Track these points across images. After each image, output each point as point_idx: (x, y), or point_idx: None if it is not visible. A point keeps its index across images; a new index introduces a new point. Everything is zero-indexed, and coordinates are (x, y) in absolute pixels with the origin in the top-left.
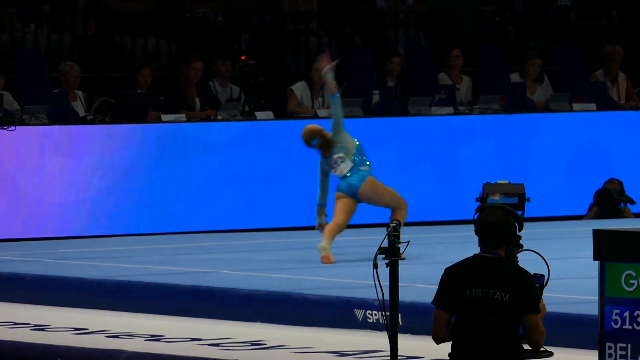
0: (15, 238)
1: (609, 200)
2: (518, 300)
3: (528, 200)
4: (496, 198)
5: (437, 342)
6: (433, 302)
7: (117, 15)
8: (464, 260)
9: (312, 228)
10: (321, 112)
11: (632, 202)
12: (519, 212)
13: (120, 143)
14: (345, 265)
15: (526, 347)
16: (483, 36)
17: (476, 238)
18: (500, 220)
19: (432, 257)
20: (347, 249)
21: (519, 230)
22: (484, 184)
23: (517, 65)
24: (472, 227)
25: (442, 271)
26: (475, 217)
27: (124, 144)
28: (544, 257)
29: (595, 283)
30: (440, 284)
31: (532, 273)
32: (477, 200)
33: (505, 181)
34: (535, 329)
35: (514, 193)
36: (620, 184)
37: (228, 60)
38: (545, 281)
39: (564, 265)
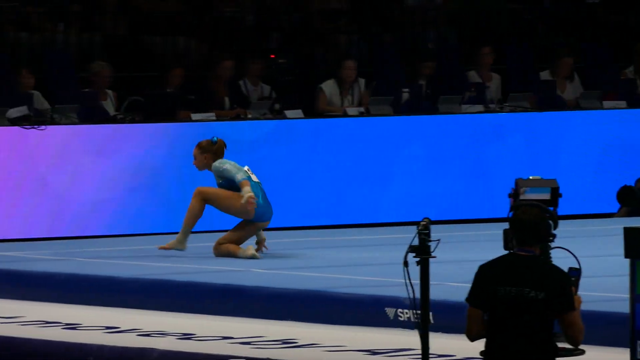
0: (46, 237)
1: (632, 198)
2: (553, 299)
3: (560, 195)
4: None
5: (471, 339)
6: (467, 299)
7: (147, 15)
8: (498, 258)
9: (341, 226)
10: (350, 111)
11: None
12: (552, 208)
13: (151, 142)
14: (376, 264)
15: (560, 345)
16: (512, 34)
17: None
18: (535, 218)
19: (463, 255)
20: (377, 247)
21: (554, 229)
22: (516, 179)
23: (545, 62)
24: (502, 224)
25: (473, 269)
26: (510, 214)
27: (154, 143)
28: (575, 254)
29: (626, 281)
30: (474, 282)
31: (566, 268)
32: (509, 196)
33: (538, 177)
34: (572, 326)
35: (547, 187)
36: None
37: (259, 59)
38: (579, 275)
39: (594, 263)
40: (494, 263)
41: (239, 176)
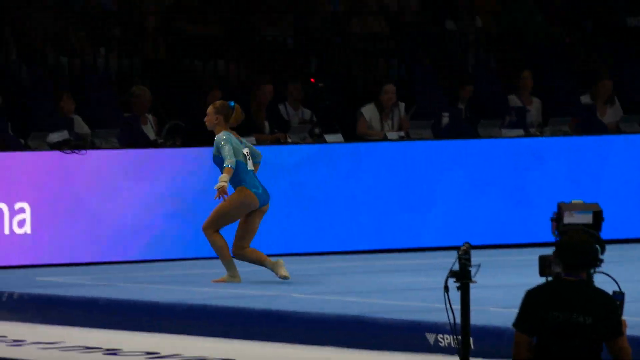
0: (87, 262)
1: None
2: (601, 324)
3: (603, 219)
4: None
5: None
6: (514, 324)
7: (187, 39)
8: (545, 283)
9: (382, 251)
10: (391, 135)
11: None
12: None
13: (191, 166)
14: (416, 289)
15: None
16: (553, 57)
17: None
18: (584, 243)
19: (504, 280)
20: (418, 272)
21: (602, 253)
22: (558, 203)
23: (586, 86)
24: (543, 249)
25: (514, 294)
26: (556, 238)
27: (194, 168)
28: (616, 280)
29: None
30: (521, 307)
31: (611, 292)
32: (552, 220)
33: (580, 201)
34: (621, 351)
35: (589, 211)
36: None
37: (300, 83)
38: (623, 299)
39: (636, 287)
40: (541, 288)
41: (228, 162)
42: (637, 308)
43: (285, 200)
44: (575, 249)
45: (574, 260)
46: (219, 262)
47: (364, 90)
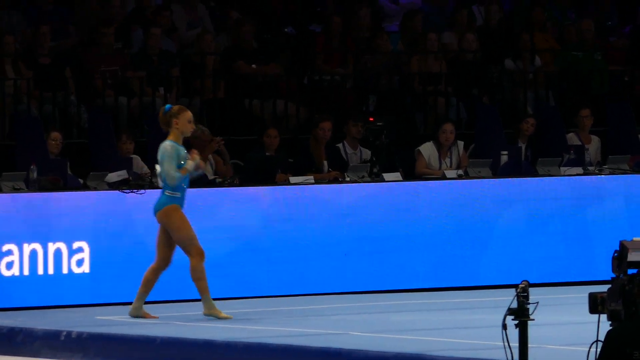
0: (146, 301)
1: None
2: None
3: None
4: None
5: None
6: None
7: (246, 78)
8: (626, 322)
9: (441, 289)
10: (449, 174)
11: None
12: None
13: (250, 205)
14: (474, 327)
15: None
16: (612, 95)
17: None
18: None
19: (562, 318)
20: (476, 310)
21: None
22: (621, 241)
23: None
24: (602, 287)
25: (573, 332)
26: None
27: (253, 206)
28: None
29: None
30: (605, 346)
31: None
32: (614, 258)
33: None
34: None
35: None
36: None
37: (360, 121)
38: None
39: None
40: (623, 327)
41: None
42: None
43: (343, 239)
44: None
45: None
46: (275, 300)
47: (423, 129)
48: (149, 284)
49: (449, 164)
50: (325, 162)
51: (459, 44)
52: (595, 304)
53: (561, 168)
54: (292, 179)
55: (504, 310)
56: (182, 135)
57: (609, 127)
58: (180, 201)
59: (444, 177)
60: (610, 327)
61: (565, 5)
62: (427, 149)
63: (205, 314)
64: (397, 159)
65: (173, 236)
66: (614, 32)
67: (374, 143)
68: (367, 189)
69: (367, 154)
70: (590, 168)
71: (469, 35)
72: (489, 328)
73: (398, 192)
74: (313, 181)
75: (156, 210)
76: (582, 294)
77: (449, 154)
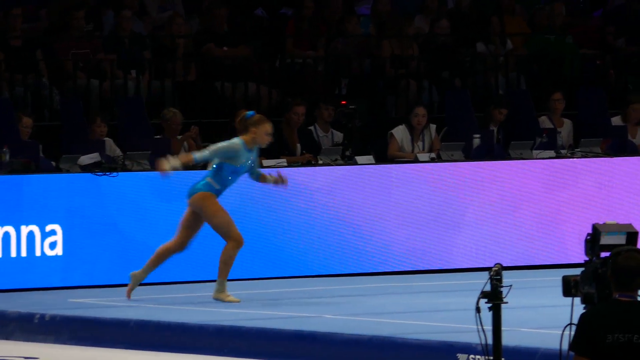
0: (119, 284)
1: None
2: None
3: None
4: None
5: None
6: (572, 348)
7: (218, 61)
8: (601, 305)
9: (413, 272)
10: (422, 157)
11: None
12: None
13: None
14: (447, 310)
15: None
16: (584, 79)
17: None
18: (638, 263)
19: (535, 301)
20: (449, 293)
21: None
22: (593, 224)
23: (618, 108)
24: (573, 270)
25: (546, 315)
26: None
27: (227, 190)
28: None
29: None
30: (578, 330)
31: None
32: (586, 241)
33: (614, 221)
34: None
35: (624, 232)
36: None
37: (331, 105)
38: None
39: None
40: (597, 310)
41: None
42: None
43: (317, 221)
44: (628, 269)
45: (628, 280)
46: (248, 283)
47: (395, 113)
48: (158, 259)
49: (421, 147)
50: (299, 145)
51: (430, 28)
52: (569, 287)
53: (533, 151)
54: (265, 162)
55: (477, 294)
56: (255, 144)
57: (581, 111)
58: (218, 192)
59: (416, 160)
60: (584, 310)
61: None
62: (400, 132)
63: (214, 298)
64: (369, 142)
65: (210, 222)
66: (585, 15)
67: (347, 126)
68: (340, 171)
69: (338, 136)
70: (563, 151)
71: (440, 19)
72: (463, 311)
73: (371, 175)
74: (286, 164)
75: (190, 193)
76: (555, 277)
77: (421, 137)
